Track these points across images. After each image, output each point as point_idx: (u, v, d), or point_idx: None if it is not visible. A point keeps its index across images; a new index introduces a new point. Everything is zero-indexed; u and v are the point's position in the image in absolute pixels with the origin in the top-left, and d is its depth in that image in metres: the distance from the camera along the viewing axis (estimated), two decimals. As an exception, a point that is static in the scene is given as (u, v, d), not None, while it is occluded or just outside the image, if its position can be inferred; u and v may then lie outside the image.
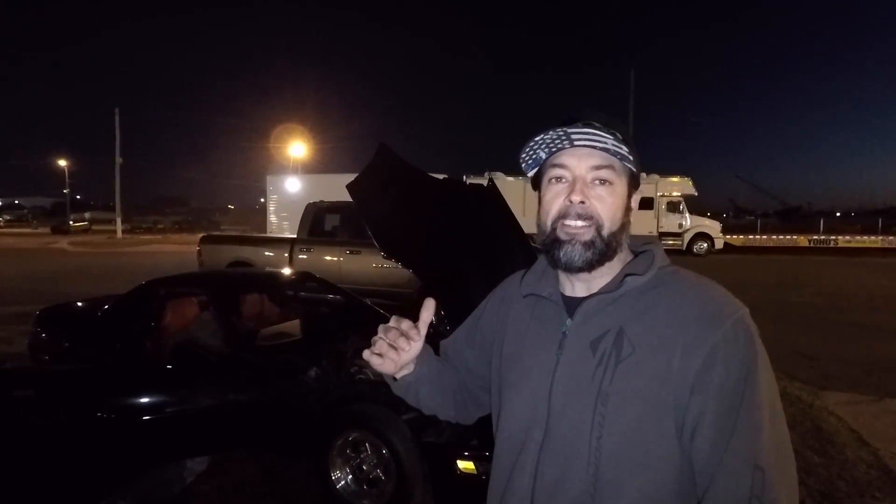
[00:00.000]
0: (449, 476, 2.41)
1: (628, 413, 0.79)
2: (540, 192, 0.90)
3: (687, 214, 19.93)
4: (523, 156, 0.90)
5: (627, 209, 0.87)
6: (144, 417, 2.71)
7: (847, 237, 23.27)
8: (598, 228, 0.84)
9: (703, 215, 22.43)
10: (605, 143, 0.81)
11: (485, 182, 2.89)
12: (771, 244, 23.05)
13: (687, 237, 19.81)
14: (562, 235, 0.85)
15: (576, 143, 0.83)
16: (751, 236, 23.85)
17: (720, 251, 20.07)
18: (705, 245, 19.86)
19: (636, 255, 0.91)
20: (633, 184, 0.88)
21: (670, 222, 19.80)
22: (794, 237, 23.58)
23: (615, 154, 0.82)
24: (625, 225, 0.87)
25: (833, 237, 23.12)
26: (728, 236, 21.82)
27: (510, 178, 18.47)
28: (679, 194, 19.90)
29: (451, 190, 3.06)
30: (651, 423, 0.78)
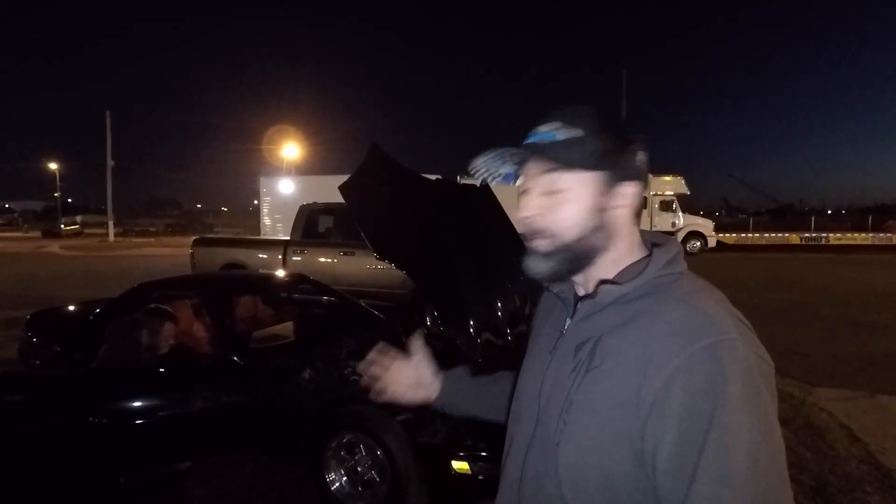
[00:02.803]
0: (443, 476, 2.42)
1: (584, 425, 0.75)
2: None
3: (680, 213, 20.04)
4: (486, 178, 0.86)
5: (601, 209, 0.79)
6: (137, 421, 2.69)
7: (838, 234, 23.50)
8: (554, 239, 0.80)
9: (696, 214, 22.57)
10: (544, 150, 0.77)
11: (478, 183, 2.89)
12: (763, 242, 23.22)
13: (680, 236, 19.90)
14: (527, 247, 0.84)
15: (517, 160, 0.82)
16: (743, 234, 24.03)
17: (713, 249, 20.19)
18: (698, 243, 19.97)
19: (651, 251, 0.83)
20: (612, 177, 0.78)
21: (663, 221, 19.89)
22: (786, 235, 23.77)
23: (561, 154, 0.77)
24: (598, 227, 0.79)
25: (824, 235, 23.32)
26: (721, 235, 21.95)
27: (504, 179, 18.44)
28: (672, 193, 20.00)
29: (444, 191, 3.06)
30: (602, 440, 0.72)
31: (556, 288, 0.90)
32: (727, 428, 0.64)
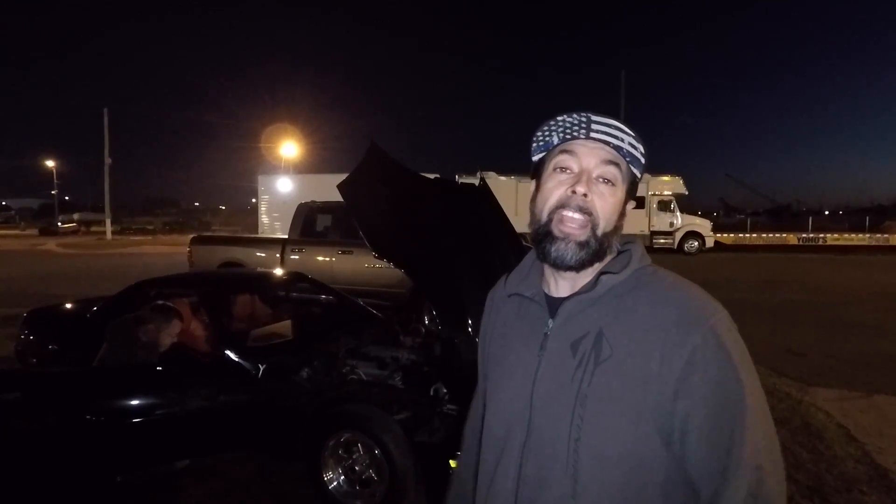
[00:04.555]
0: (441, 476, 2.41)
1: (606, 415, 0.78)
2: (540, 180, 0.89)
3: (678, 213, 20.05)
4: (538, 134, 0.89)
5: (622, 214, 0.87)
6: (134, 420, 2.69)
7: (835, 235, 23.53)
8: (594, 227, 0.83)
9: (694, 214, 22.59)
10: (621, 141, 0.82)
11: (476, 182, 2.89)
12: (761, 242, 23.25)
13: (678, 236, 19.93)
14: (556, 231, 0.84)
15: (592, 134, 0.83)
16: (741, 235, 24.05)
17: (711, 250, 20.22)
18: (696, 243, 19.99)
19: (618, 253, 0.91)
20: (631, 191, 0.88)
21: (661, 221, 19.91)
22: (784, 235, 23.82)
23: (626, 155, 0.83)
24: (617, 228, 0.86)
25: (821, 235, 23.36)
26: (718, 235, 21.97)
27: (502, 178, 18.49)
28: (670, 193, 20.02)
29: (443, 190, 3.06)
30: (629, 425, 0.77)
31: (527, 291, 0.92)
32: (746, 388, 0.75)
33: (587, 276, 0.87)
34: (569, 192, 0.83)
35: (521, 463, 0.84)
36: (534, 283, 0.93)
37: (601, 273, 0.85)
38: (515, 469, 0.85)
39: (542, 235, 0.85)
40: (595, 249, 0.84)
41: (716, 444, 0.74)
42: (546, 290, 0.91)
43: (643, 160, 0.85)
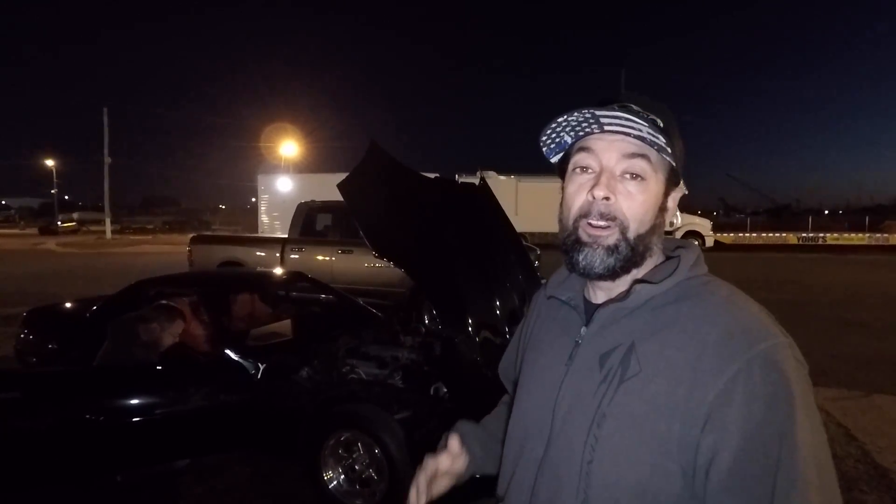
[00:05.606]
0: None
1: (623, 439, 0.69)
2: (563, 182, 0.80)
3: (677, 212, 20.06)
4: (544, 138, 0.79)
5: (662, 209, 0.76)
6: (134, 419, 2.69)
7: (835, 235, 23.62)
8: (623, 231, 0.74)
9: (694, 213, 22.60)
10: (641, 130, 0.70)
11: (476, 181, 2.89)
12: (760, 242, 23.31)
13: (678, 235, 19.94)
14: (583, 236, 0.75)
15: (606, 128, 0.73)
16: (741, 234, 24.12)
17: (710, 249, 20.24)
18: (696, 243, 19.95)
19: (667, 258, 0.80)
20: (673, 180, 0.77)
21: (661, 220, 19.91)
22: (784, 235, 23.89)
23: (652, 144, 0.71)
24: (656, 227, 0.76)
25: (821, 235, 23.44)
26: (718, 234, 22.04)
27: (502, 178, 18.49)
28: (670, 192, 20.02)
29: (443, 189, 3.06)
30: (648, 455, 0.67)
31: (564, 294, 0.85)
32: (795, 433, 0.62)
33: (624, 283, 0.78)
34: (589, 198, 0.74)
35: (535, 480, 0.78)
36: (573, 285, 0.85)
37: (636, 282, 0.76)
38: (530, 483, 0.79)
39: (571, 244, 0.76)
40: (626, 255, 0.74)
41: (750, 496, 0.62)
42: (586, 295, 0.84)
43: (672, 148, 0.72)
